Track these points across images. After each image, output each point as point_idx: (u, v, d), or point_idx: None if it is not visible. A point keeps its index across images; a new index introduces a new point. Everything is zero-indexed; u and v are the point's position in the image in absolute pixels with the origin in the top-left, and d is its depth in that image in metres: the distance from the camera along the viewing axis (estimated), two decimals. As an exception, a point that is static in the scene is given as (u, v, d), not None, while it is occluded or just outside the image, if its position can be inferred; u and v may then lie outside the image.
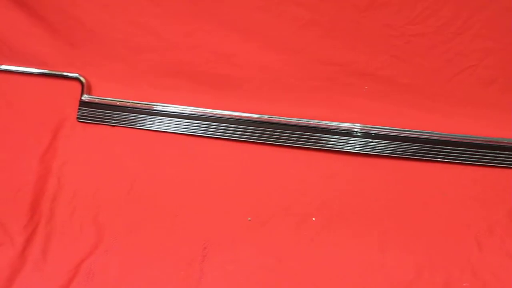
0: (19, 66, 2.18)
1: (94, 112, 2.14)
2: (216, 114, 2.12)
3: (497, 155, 2.05)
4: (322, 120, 2.10)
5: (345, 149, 2.07)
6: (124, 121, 2.11)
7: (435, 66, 2.12)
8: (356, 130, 2.07)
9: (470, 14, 2.05)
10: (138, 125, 2.11)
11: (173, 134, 2.12)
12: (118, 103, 2.13)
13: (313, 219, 1.93)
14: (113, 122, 2.13)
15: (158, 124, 2.10)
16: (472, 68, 2.11)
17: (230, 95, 2.18)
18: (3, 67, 2.16)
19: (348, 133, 2.07)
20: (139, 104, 2.12)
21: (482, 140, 2.07)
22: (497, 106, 2.14)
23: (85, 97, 2.13)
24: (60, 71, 2.17)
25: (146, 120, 2.11)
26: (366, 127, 2.08)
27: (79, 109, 2.14)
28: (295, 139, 2.07)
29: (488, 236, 1.92)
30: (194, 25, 2.13)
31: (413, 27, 2.08)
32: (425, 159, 2.07)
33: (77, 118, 2.13)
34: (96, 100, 2.14)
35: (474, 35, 2.08)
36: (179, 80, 2.18)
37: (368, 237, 1.92)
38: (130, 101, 2.13)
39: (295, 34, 2.12)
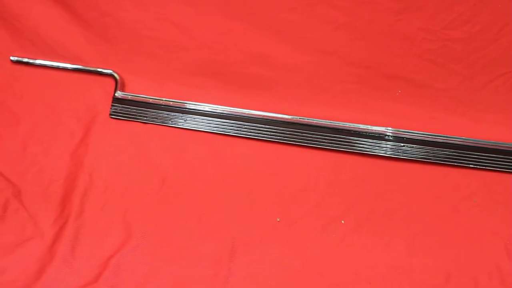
0: (54, 61, 2.20)
1: (127, 108, 2.15)
2: (247, 114, 2.12)
3: (530, 163, 2.01)
4: (353, 123, 2.07)
5: (376, 152, 2.06)
6: (156, 118, 2.12)
7: (469, 72, 2.11)
8: (388, 134, 2.06)
9: (507, 21, 2.04)
10: (170, 123, 2.12)
11: (204, 133, 2.13)
12: (150, 100, 2.14)
13: (342, 221, 1.91)
14: (145, 119, 2.14)
15: (190, 122, 2.11)
16: (507, 75, 2.10)
17: (261, 95, 2.18)
18: (39, 61, 2.18)
19: (379, 136, 2.06)
20: (172, 102, 2.13)
21: (514, 147, 2.03)
22: (531, 114, 2.09)
23: (119, 94, 2.14)
24: (94, 67, 2.19)
25: (178, 118, 2.12)
26: (398, 131, 2.07)
27: (112, 105, 2.15)
28: (325, 141, 2.07)
29: (518, 243, 1.87)
30: (227, 25, 2.14)
31: (449, 31, 2.06)
32: (457, 165, 2.05)
33: (110, 114, 2.14)
34: (129, 97, 2.15)
35: (510, 42, 2.04)
36: (211, 79, 2.19)
37: (397, 241, 1.92)
38: (163, 98, 2.14)
39: (328, 36, 2.11)
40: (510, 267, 1.84)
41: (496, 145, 2.05)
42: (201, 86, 2.19)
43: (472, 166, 2.04)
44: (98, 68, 2.19)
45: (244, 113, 2.12)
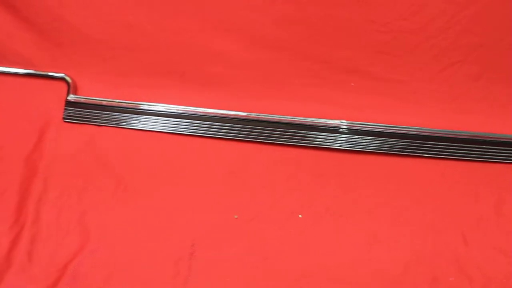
0: (5, 66, 2.17)
1: (80, 112, 2.13)
2: (202, 112, 2.12)
3: (484, 149, 2.06)
4: (309, 117, 2.07)
5: (332, 145, 2.07)
6: (111, 120, 2.11)
7: (422, 62, 2.12)
8: (342, 126, 2.07)
9: (457, 10, 2.05)
10: (124, 125, 2.11)
11: (160, 133, 2.12)
12: (104, 102, 2.12)
13: (300, 216, 1.90)
14: (99, 122, 2.12)
15: (145, 123, 2.10)
16: (459, 63, 2.11)
17: (218, 93, 2.18)
18: (-11, 67, 2.13)
19: (334, 129, 2.07)
20: (126, 104, 2.12)
21: (469, 135, 2.07)
22: (484, 101, 2.14)
23: (71, 97, 2.13)
24: (46, 72, 2.17)
25: (133, 120, 2.11)
26: (352, 123, 2.08)
27: (65, 109, 2.14)
28: (282, 136, 2.07)
29: (474, 230, 1.92)
30: (181, 24, 2.13)
31: (400, 23, 2.07)
32: (412, 155, 2.06)
33: (63, 118, 2.13)
34: (82, 100, 2.13)
35: (461, 30, 2.08)
36: (165, 78, 2.18)
37: (356, 233, 1.92)
38: (117, 100, 2.13)
39: (282, 32, 2.12)
40: (467, 254, 1.86)
41: (450, 134, 2.06)
42: (156, 86, 2.18)
43: (427, 155, 2.04)
44: (50, 72, 2.16)
45: (199, 112, 2.11)
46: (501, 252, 1.85)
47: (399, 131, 2.06)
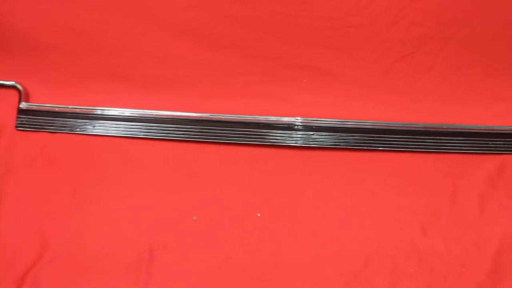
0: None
1: (33, 119, 2.12)
2: (156, 115, 2.11)
3: (437, 141, 2.08)
4: (263, 115, 2.07)
5: (287, 143, 2.07)
6: (64, 127, 2.10)
7: (373, 56, 2.14)
8: (297, 123, 2.07)
9: (406, 3, 2.08)
10: (78, 131, 2.10)
11: (114, 138, 2.11)
12: (56, 109, 2.11)
13: (258, 214, 1.90)
14: (53, 129, 2.11)
15: (99, 128, 2.09)
16: (410, 56, 2.14)
17: (168, 95, 2.18)
18: None
19: (289, 127, 2.08)
20: (78, 109, 2.11)
21: (422, 127, 2.09)
22: (435, 93, 2.16)
23: (23, 105, 2.11)
24: (-4, 80, 2.10)
25: (86, 125, 2.09)
26: (307, 120, 2.09)
27: (18, 117, 2.12)
28: (236, 135, 2.07)
29: (432, 221, 1.93)
30: (127, 27, 2.14)
31: (350, 18, 2.09)
32: (367, 149, 2.07)
33: (16, 126, 2.11)
34: (34, 107, 2.12)
35: (410, 23, 2.10)
36: (117, 83, 2.18)
37: (315, 229, 1.92)
38: (70, 106, 2.11)
39: (231, 30, 2.13)
40: (426, 245, 1.86)
41: (404, 126, 2.08)
42: (107, 91, 2.17)
43: (382, 148, 2.05)
44: (0, 80, 2.13)
45: (153, 115, 2.11)
46: (458, 242, 1.86)
47: (354, 126, 2.08)
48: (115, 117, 2.10)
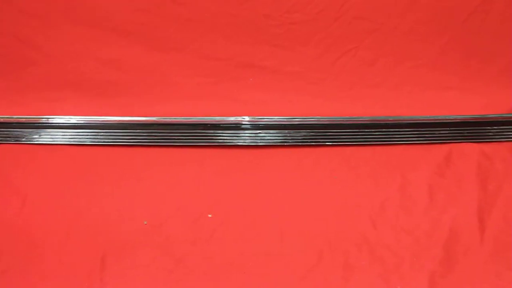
0: None
1: (-22, 131, 2.05)
2: (103, 121, 2.10)
3: (384, 133, 2.09)
4: (210, 116, 2.07)
5: (236, 143, 2.07)
6: (9, 137, 2.08)
7: (317, 52, 2.15)
8: (244, 123, 2.07)
9: (346, -1, 2.05)
10: (24, 140, 2.08)
11: (61, 146, 2.10)
12: (1, 120, 2.08)
13: (209, 215, 1.90)
14: (-2, 140, 2.05)
15: (45, 137, 2.08)
16: (354, 50, 2.15)
17: (118, 100, 2.17)
18: None
19: (237, 126, 2.08)
20: (24, 119, 2.09)
21: (369, 120, 2.11)
22: (380, 85, 2.17)
23: (-33, 117, 2.06)
24: None
25: (32, 135, 2.09)
26: (254, 118, 2.09)
27: (-39, 129, 2.06)
28: (184, 138, 2.05)
29: (381, 213, 1.93)
30: (75, 34, 2.12)
31: (292, 15, 2.10)
32: (316, 144, 2.07)
33: (-40, 139, 2.05)
34: (-22, 119, 2.06)
35: (353, 17, 2.12)
36: (65, 90, 2.17)
37: (266, 227, 1.92)
38: (14, 116, 2.09)
39: (176, 33, 2.11)
40: (377, 237, 1.87)
41: (351, 120, 2.10)
42: (55, 99, 2.16)
43: (329, 143, 2.06)
44: None
45: (99, 121, 2.10)
46: (408, 232, 1.87)
47: (301, 122, 2.09)
48: (62, 125, 2.09)
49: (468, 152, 2.10)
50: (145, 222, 1.90)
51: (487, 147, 2.13)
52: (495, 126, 2.14)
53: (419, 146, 2.12)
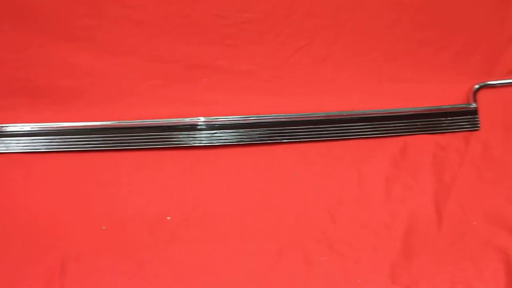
0: None
1: None
2: (57, 127, 2.09)
3: (339, 128, 2.11)
4: (165, 118, 2.06)
5: (192, 144, 2.07)
6: (-38, 148, 2.02)
7: (270, 50, 2.16)
8: (199, 123, 2.07)
9: (296, -5, 2.05)
10: (-23, 150, 2.02)
11: (16, 154, 2.08)
12: (-50, 131, 2.03)
13: (168, 218, 1.90)
14: (-51, 152, 2.02)
15: (-1, 146, 2.02)
16: (306, 47, 2.16)
17: (72, 106, 2.15)
18: None
19: (192, 127, 2.07)
20: (-25, 129, 2.04)
21: (323, 116, 2.13)
22: (334, 81, 2.19)
23: None
24: None
25: (-15, 144, 2.03)
26: (209, 119, 2.09)
27: None
28: (141, 141, 2.04)
29: (339, 208, 1.94)
30: (24, 41, 2.09)
31: (243, 14, 2.11)
32: (272, 142, 2.09)
33: None
34: None
35: (304, 14, 2.13)
36: (17, 98, 2.14)
37: (225, 228, 1.92)
38: (-36, 127, 2.04)
39: (127, 36, 2.11)
40: (335, 232, 1.89)
41: (305, 117, 2.11)
42: (7, 108, 2.13)
43: (286, 140, 2.07)
44: None
45: (54, 127, 2.08)
46: (366, 225, 1.88)
47: (256, 121, 2.10)
48: (15, 133, 2.06)
49: (423, 144, 2.13)
50: (104, 227, 1.88)
51: (441, 138, 2.15)
52: (449, 117, 2.16)
53: (374, 139, 2.14)
